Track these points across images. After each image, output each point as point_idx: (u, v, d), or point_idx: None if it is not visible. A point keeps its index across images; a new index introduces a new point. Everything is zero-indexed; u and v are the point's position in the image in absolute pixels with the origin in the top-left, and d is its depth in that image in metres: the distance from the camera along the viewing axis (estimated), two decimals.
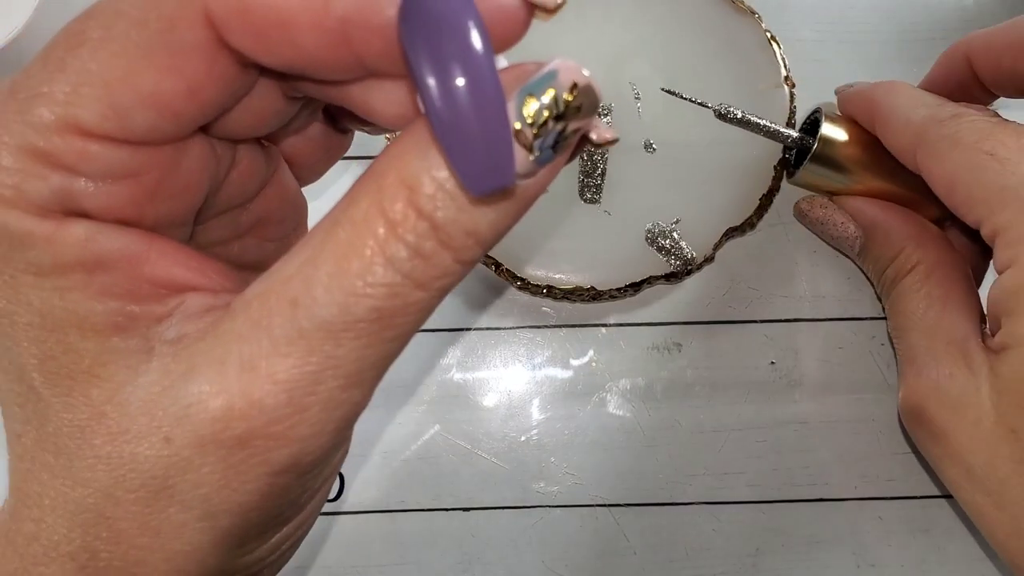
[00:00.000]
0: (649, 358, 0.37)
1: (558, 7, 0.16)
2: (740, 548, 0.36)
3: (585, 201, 0.37)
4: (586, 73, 0.15)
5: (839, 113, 0.35)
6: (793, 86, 0.37)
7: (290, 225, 0.24)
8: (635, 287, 0.36)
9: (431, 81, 0.14)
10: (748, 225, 0.36)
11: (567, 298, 0.36)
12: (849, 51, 0.40)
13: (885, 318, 0.37)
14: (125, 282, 0.17)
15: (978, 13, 0.41)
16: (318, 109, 0.22)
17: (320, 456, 0.17)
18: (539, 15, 0.16)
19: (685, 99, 0.34)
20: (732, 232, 0.36)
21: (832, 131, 0.34)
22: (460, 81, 0.14)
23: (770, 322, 0.38)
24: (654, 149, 0.38)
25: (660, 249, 0.35)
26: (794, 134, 0.35)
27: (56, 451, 0.17)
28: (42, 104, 0.16)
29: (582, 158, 0.37)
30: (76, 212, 0.16)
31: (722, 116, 0.34)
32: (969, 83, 0.33)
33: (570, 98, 0.15)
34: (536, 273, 0.36)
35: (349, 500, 0.36)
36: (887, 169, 0.33)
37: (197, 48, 0.16)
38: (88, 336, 0.17)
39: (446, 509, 0.36)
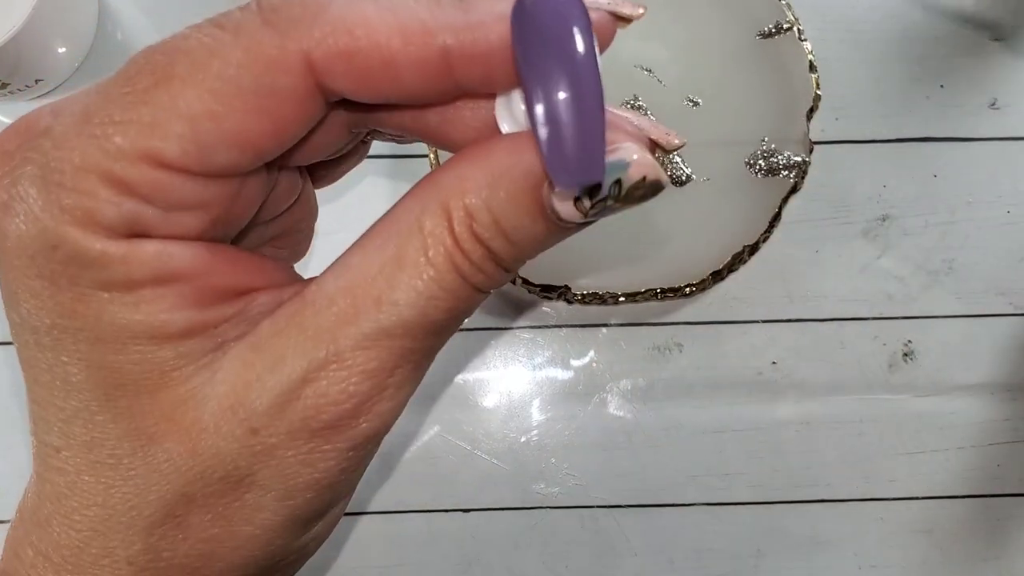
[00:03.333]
0: (650, 358, 0.37)
1: (637, 17, 0.17)
2: (741, 549, 0.36)
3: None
4: (655, 166, 0.16)
5: None
6: (801, 34, 0.36)
7: (305, 233, 0.24)
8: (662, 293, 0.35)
9: (545, 94, 0.15)
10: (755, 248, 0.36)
11: (584, 301, 0.36)
12: (850, 50, 0.40)
13: (886, 318, 0.37)
14: (195, 292, 0.17)
15: (979, 12, 0.41)
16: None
17: (389, 427, 0.19)
18: (620, 24, 0.17)
19: None
20: (743, 254, 0.36)
21: None
22: (567, 93, 0.15)
23: (771, 322, 0.37)
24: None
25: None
26: None
27: (114, 462, 0.17)
28: (122, 132, 0.16)
29: None
30: (142, 235, 0.17)
31: None
32: None
33: (635, 190, 0.16)
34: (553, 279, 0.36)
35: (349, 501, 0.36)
36: None
37: (292, 93, 0.16)
38: (163, 344, 0.17)
39: (446, 510, 0.36)
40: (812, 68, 0.36)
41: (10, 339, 0.37)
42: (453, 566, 0.35)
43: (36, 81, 0.38)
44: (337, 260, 0.18)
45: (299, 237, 0.24)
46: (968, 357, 0.37)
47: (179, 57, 0.16)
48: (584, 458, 0.36)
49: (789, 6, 0.37)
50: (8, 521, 0.36)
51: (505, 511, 0.36)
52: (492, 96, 0.18)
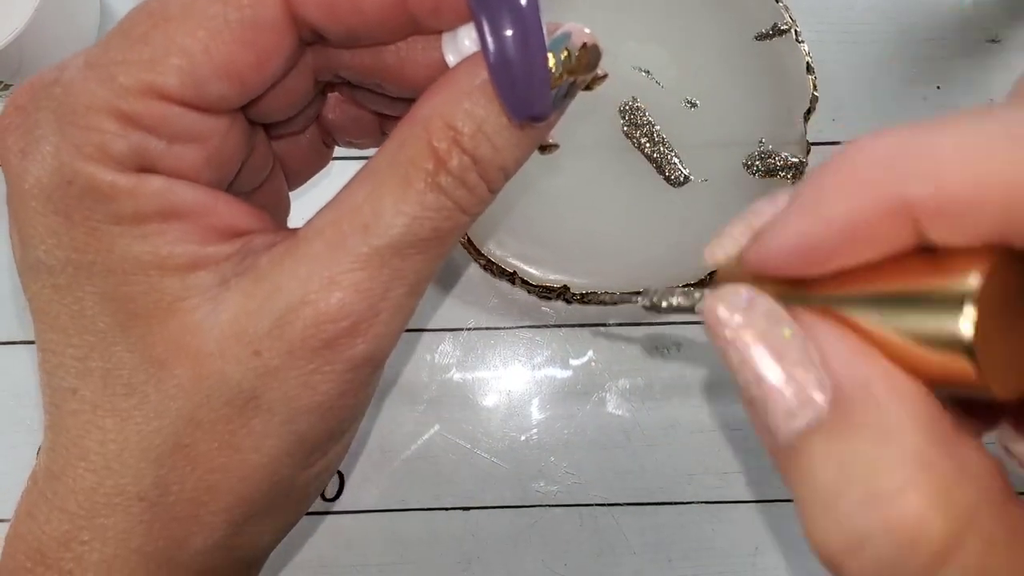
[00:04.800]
0: (648, 358, 0.37)
1: None
2: (740, 547, 0.36)
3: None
4: (590, 34, 0.19)
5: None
6: (799, 36, 0.36)
7: (279, 221, 0.26)
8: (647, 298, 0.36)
9: (493, 30, 0.17)
10: None
11: (581, 301, 0.36)
12: (847, 52, 0.41)
13: None
14: (198, 228, 0.19)
15: (976, 13, 0.41)
16: (314, 117, 0.24)
17: (386, 354, 0.20)
18: None
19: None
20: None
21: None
22: (515, 32, 0.17)
23: None
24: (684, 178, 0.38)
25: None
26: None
27: (128, 392, 0.19)
28: (124, 71, 0.17)
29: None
30: (149, 169, 0.18)
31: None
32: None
33: (581, 56, 0.19)
34: (549, 276, 0.36)
35: (349, 500, 0.36)
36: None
37: (272, 24, 0.18)
38: (169, 275, 0.18)
39: (446, 508, 0.36)
40: (809, 70, 0.36)
41: (9, 340, 0.38)
42: (453, 564, 0.35)
43: None
44: (326, 204, 0.20)
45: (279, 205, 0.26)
46: None
47: (170, 1, 0.18)
48: (583, 457, 0.36)
49: (787, 8, 0.37)
50: (8, 520, 0.36)
51: (504, 509, 0.36)
52: (439, 33, 0.20)
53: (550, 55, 0.18)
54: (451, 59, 0.19)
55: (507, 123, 0.18)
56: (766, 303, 0.15)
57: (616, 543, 0.36)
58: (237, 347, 0.18)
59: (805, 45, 0.36)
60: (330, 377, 0.19)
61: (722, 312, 0.15)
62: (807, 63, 0.36)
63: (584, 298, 0.35)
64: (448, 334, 0.38)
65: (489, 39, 0.17)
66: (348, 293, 0.18)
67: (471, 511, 0.36)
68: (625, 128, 0.39)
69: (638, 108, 0.39)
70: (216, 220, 0.19)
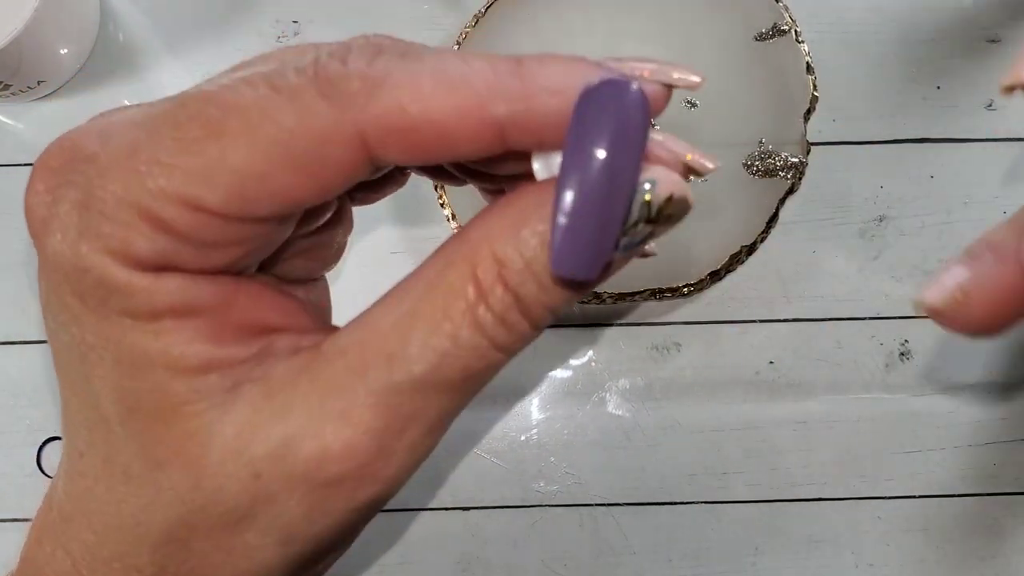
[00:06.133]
0: (649, 358, 0.37)
1: (696, 85, 0.17)
2: (739, 548, 0.36)
3: None
4: (680, 182, 0.17)
5: None
6: (799, 36, 0.36)
7: (338, 247, 0.24)
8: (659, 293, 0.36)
9: (577, 159, 0.16)
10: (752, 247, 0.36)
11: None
12: (847, 52, 0.41)
13: (883, 318, 0.38)
14: (214, 326, 0.18)
15: (977, 14, 0.41)
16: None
17: (396, 492, 0.19)
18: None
19: None
20: (741, 253, 0.36)
21: None
22: (603, 175, 0.16)
23: (769, 322, 0.38)
24: None
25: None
26: None
27: (126, 478, 0.18)
28: (167, 174, 0.16)
29: None
30: (172, 268, 0.17)
31: None
32: None
33: (665, 208, 0.17)
34: None
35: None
36: None
37: (341, 162, 0.16)
38: (177, 376, 0.17)
39: (446, 508, 0.36)
40: (809, 70, 0.36)
41: (11, 339, 0.38)
42: (453, 564, 0.35)
43: (38, 82, 0.38)
44: (356, 317, 0.18)
45: (332, 250, 0.24)
46: (965, 356, 0.38)
47: (232, 113, 0.16)
48: (583, 457, 0.36)
49: (787, 8, 0.37)
50: (8, 520, 0.36)
51: (505, 509, 0.36)
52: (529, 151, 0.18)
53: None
54: (537, 168, 0.17)
55: None
56: None
57: (616, 543, 0.36)
58: (238, 465, 0.17)
59: (805, 45, 0.36)
60: (329, 515, 0.18)
61: None
62: (807, 63, 0.36)
63: (584, 298, 0.35)
64: None
65: (569, 172, 0.16)
66: (358, 433, 0.17)
67: (471, 511, 0.36)
68: None
69: None
70: (236, 316, 0.18)
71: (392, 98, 0.16)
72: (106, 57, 0.39)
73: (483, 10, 0.36)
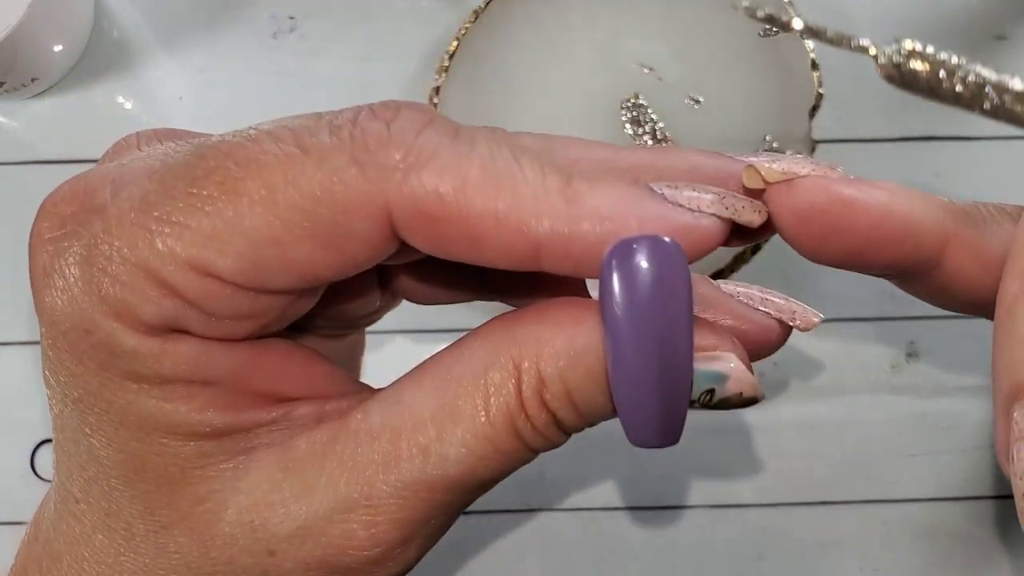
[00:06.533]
0: None
1: (750, 222, 0.16)
2: (743, 552, 0.35)
3: None
4: (754, 384, 0.16)
5: None
6: (802, 33, 0.36)
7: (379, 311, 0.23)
8: None
9: (636, 356, 0.15)
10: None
11: None
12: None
13: (889, 319, 0.37)
14: (230, 395, 0.17)
15: (983, 11, 0.41)
16: None
17: (410, 571, 0.18)
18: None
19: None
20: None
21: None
22: (658, 359, 0.15)
23: None
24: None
25: None
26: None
27: (128, 535, 0.17)
28: (176, 235, 0.15)
29: None
30: (183, 331, 0.16)
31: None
32: None
33: (727, 403, 0.16)
34: None
35: None
36: None
37: (366, 236, 0.15)
38: (188, 442, 0.16)
39: None
40: (814, 66, 0.36)
41: (11, 340, 0.37)
42: (452, 569, 0.35)
43: (32, 80, 0.37)
44: (388, 389, 0.17)
45: (369, 317, 0.23)
46: (972, 358, 0.37)
47: (253, 173, 0.15)
48: (585, 460, 0.36)
49: (791, 4, 0.36)
50: (6, 523, 0.36)
51: (505, 513, 0.36)
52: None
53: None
54: (594, 293, 0.16)
55: (602, 400, 0.16)
56: None
57: (618, 548, 0.35)
58: (251, 538, 0.16)
59: (810, 42, 0.36)
60: None
61: None
62: (812, 60, 0.36)
63: None
64: (447, 334, 0.37)
65: (623, 390, 0.15)
66: (384, 524, 0.16)
67: (470, 515, 0.36)
68: (628, 125, 0.38)
69: (641, 105, 0.38)
70: (255, 385, 0.17)
71: (432, 183, 0.15)
72: (100, 54, 0.39)
73: (483, 5, 0.35)
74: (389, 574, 0.17)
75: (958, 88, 0.13)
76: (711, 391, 0.16)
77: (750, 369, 0.16)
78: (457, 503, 0.17)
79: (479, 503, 0.35)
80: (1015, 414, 0.14)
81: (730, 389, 0.16)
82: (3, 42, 0.34)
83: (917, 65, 0.13)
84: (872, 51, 0.13)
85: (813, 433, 0.36)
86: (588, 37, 0.38)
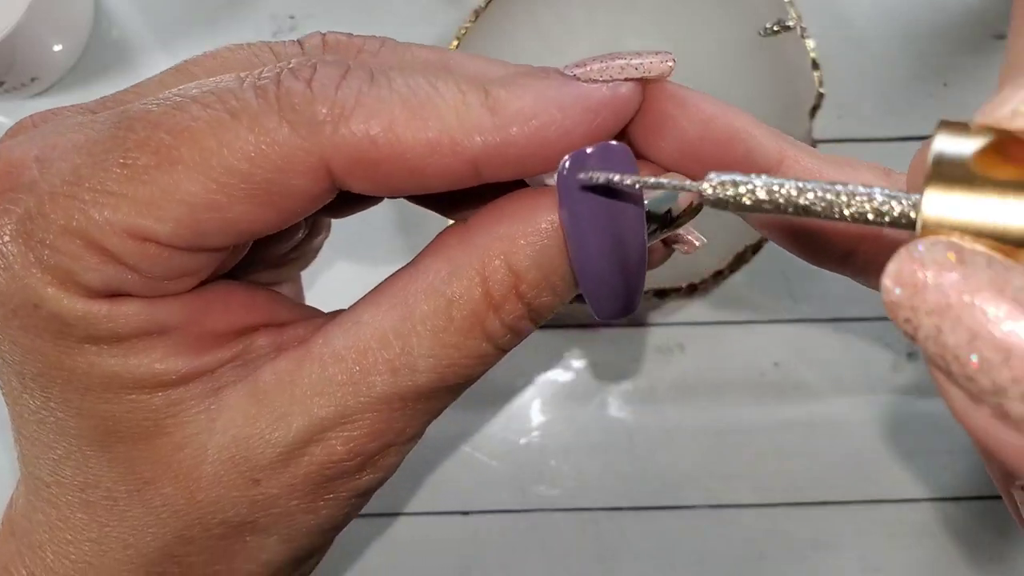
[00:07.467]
0: (651, 359, 0.37)
1: (667, 72, 0.17)
2: (743, 552, 0.35)
3: None
4: (702, 187, 0.16)
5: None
6: (804, 32, 0.36)
7: (314, 250, 0.23)
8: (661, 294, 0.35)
9: (592, 242, 0.16)
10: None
11: None
12: (853, 48, 0.40)
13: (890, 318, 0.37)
14: (188, 339, 0.17)
15: (984, 10, 0.41)
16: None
17: (392, 474, 0.19)
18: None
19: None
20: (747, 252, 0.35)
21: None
22: (607, 237, 0.16)
23: (774, 323, 0.37)
24: None
25: None
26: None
27: (111, 504, 0.17)
28: (113, 205, 0.15)
29: None
30: (126, 294, 0.16)
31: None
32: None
33: (684, 215, 0.17)
34: None
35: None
36: None
37: (303, 191, 0.16)
38: (155, 392, 0.17)
39: (444, 513, 0.35)
40: (815, 66, 0.36)
41: None
42: (451, 569, 0.35)
43: (32, 79, 0.37)
44: (345, 313, 0.18)
45: (306, 254, 0.23)
46: None
47: (185, 140, 0.15)
48: (584, 460, 0.36)
49: (792, 3, 0.36)
50: None
51: (504, 513, 0.36)
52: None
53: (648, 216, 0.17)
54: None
55: (571, 277, 0.17)
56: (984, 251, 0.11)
57: (618, 548, 0.35)
58: (234, 473, 0.17)
59: (810, 41, 0.36)
60: (332, 504, 0.18)
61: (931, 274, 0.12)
62: (813, 59, 0.36)
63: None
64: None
65: (575, 241, 0.16)
66: (362, 438, 0.17)
67: (470, 515, 0.36)
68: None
69: None
70: (211, 324, 0.17)
71: (361, 129, 0.15)
72: (100, 53, 0.39)
73: (483, 5, 0.35)
74: (375, 480, 0.18)
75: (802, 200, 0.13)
76: (669, 211, 0.17)
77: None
78: (432, 408, 0.18)
79: (479, 503, 0.35)
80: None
81: (683, 202, 0.17)
82: (3, 42, 0.34)
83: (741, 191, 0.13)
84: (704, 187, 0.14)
85: (813, 433, 0.36)
86: (588, 37, 0.38)
